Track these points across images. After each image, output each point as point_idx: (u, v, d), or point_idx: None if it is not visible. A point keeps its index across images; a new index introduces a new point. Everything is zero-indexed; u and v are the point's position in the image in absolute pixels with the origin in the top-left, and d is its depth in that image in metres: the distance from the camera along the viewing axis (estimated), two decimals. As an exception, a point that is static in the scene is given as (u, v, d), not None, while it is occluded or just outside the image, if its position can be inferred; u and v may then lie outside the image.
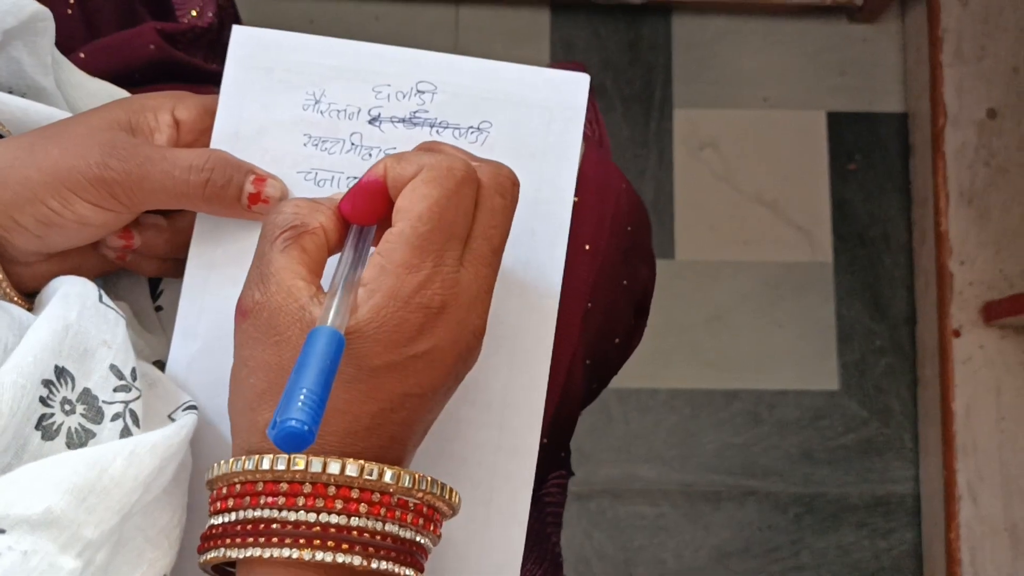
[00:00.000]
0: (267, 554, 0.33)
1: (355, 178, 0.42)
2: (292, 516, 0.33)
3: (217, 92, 0.44)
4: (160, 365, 0.43)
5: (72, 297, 0.38)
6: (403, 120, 0.42)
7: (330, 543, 0.33)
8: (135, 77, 0.53)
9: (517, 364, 0.41)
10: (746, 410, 1.13)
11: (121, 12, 0.55)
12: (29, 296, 0.42)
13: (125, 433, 0.37)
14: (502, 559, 0.40)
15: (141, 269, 0.44)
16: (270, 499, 0.34)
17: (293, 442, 0.29)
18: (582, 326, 0.47)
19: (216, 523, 0.35)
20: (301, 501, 0.33)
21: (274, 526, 0.33)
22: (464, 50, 1.22)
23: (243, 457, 0.34)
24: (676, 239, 1.15)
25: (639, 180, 1.16)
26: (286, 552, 0.33)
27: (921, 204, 1.14)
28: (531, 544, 0.51)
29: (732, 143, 1.17)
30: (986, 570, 1.03)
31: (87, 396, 0.37)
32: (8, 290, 0.40)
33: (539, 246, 0.42)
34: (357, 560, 0.33)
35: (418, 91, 0.43)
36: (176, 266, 0.44)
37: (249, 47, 0.43)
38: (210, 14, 0.62)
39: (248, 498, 0.34)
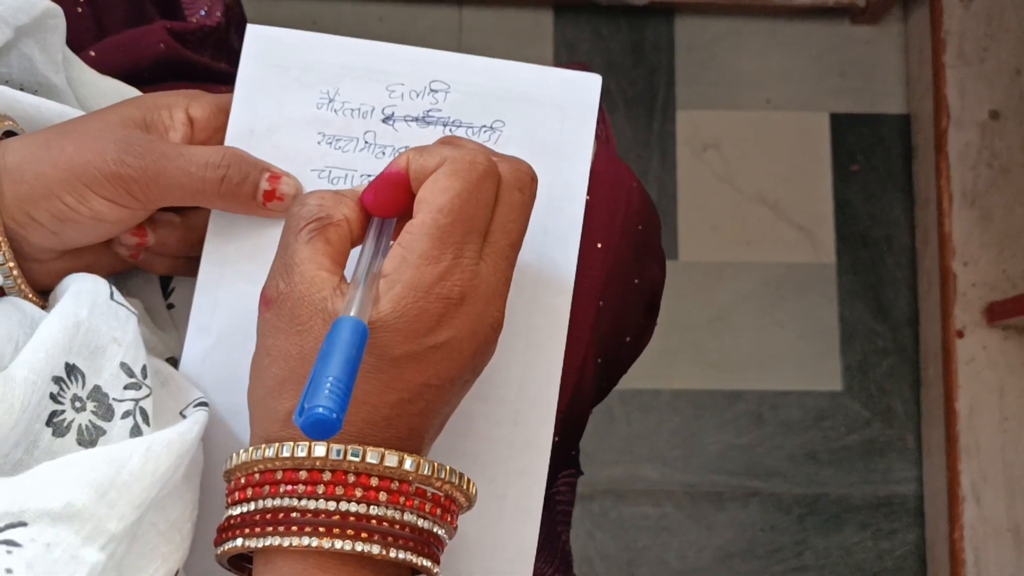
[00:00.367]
0: (286, 543, 0.33)
1: (369, 176, 0.42)
2: (312, 504, 0.34)
3: (225, 91, 0.44)
4: (173, 362, 0.43)
5: (83, 294, 0.38)
6: (417, 119, 0.43)
7: (349, 531, 0.33)
8: (144, 76, 0.53)
9: (531, 360, 0.41)
10: (749, 411, 1.13)
11: (130, 11, 0.56)
12: (43, 293, 0.42)
13: (135, 431, 0.37)
14: (515, 554, 0.41)
15: (154, 267, 0.44)
16: (289, 487, 0.34)
17: (321, 429, 0.29)
18: (594, 324, 0.47)
19: (234, 514, 0.35)
20: (321, 489, 0.34)
21: (293, 515, 0.34)
22: (467, 51, 1.22)
23: (263, 445, 0.35)
24: (679, 240, 1.15)
25: (642, 181, 1.16)
26: (305, 540, 0.33)
27: (924, 205, 1.14)
28: (542, 542, 0.51)
29: (735, 144, 1.18)
30: (990, 571, 1.04)
31: (97, 393, 0.37)
32: (23, 287, 0.41)
33: (552, 244, 0.42)
34: (376, 549, 0.33)
35: (432, 90, 0.43)
36: (188, 264, 0.44)
37: (263, 46, 0.43)
38: (218, 13, 0.62)
39: (267, 487, 0.34)
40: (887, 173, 1.18)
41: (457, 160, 0.36)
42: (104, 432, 0.36)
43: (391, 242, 0.37)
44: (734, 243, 1.16)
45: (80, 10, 0.53)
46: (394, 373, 0.34)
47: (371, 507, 0.34)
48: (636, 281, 0.50)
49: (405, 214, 0.37)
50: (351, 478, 0.34)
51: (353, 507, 0.34)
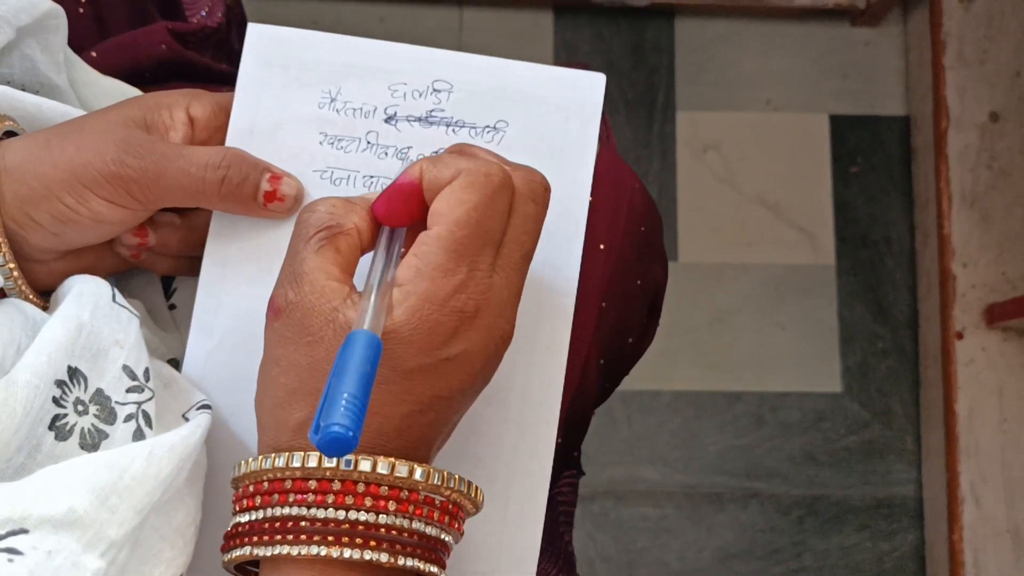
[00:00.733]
0: (295, 551, 0.33)
1: (371, 177, 0.42)
2: (321, 513, 0.33)
3: (227, 91, 0.44)
4: (175, 363, 0.43)
5: (86, 296, 0.38)
6: (419, 119, 0.42)
7: (358, 540, 0.33)
8: (146, 76, 0.53)
9: (535, 363, 0.41)
10: (749, 412, 1.13)
11: (132, 11, 0.55)
12: (44, 294, 0.42)
13: (138, 434, 0.37)
14: (519, 556, 0.40)
15: (155, 267, 0.44)
16: (299, 496, 0.34)
17: (337, 447, 0.29)
18: (597, 325, 0.47)
19: (242, 521, 0.35)
20: (331, 499, 0.33)
21: (303, 524, 0.33)
22: (467, 51, 1.22)
23: (272, 455, 0.34)
24: (679, 241, 1.15)
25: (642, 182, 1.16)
26: (314, 549, 0.33)
27: (923, 207, 1.14)
28: (545, 543, 0.51)
29: (735, 145, 1.18)
30: (989, 572, 1.04)
31: (100, 396, 0.36)
32: (24, 288, 0.40)
33: (556, 245, 0.42)
34: (384, 557, 0.33)
35: (434, 90, 0.43)
36: (190, 264, 0.44)
37: (265, 45, 0.43)
38: (219, 14, 0.62)
39: (276, 495, 0.34)
40: (887, 175, 1.18)
41: (472, 172, 0.35)
42: (107, 435, 0.36)
43: (402, 251, 0.37)
44: (734, 244, 1.16)
45: (82, 10, 0.52)
46: (406, 385, 0.34)
47: (380, 516, 0.34)
48: (639, 282, 0.50)
49: (416, 224, 0.37)
50: (361, 488, 0.34)
51: (362, 516, 0.33)
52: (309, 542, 0.33)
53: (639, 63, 1.19)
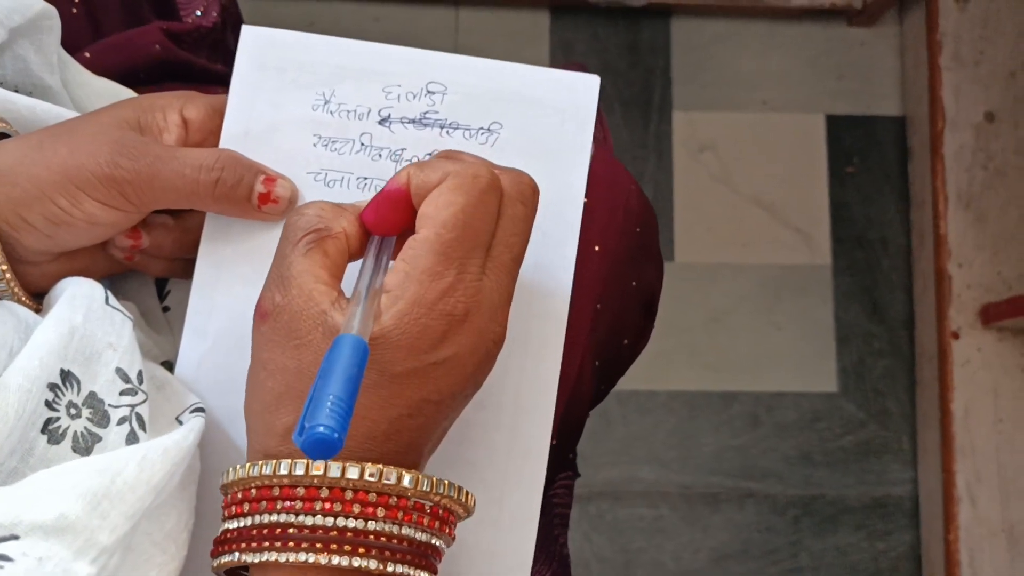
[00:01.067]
0: (283, 558, 0.33)
1: (365, 179, 0.42)
2: (309, 520, 0.33)
3: (222, 92, 0.44)
4: (168, 365, 0.43)
5: (78, 299, 0.38)
6: (413, 121, 0.42)
7: (347, 547, 0.33)
8: (140, 77, 0.53)
9: (528, 366, 0.41)
10: (745, 412, 1.13)
11: (126, 11, 0.55)
12: (38, 296, 0.41)
13: (131, 437, 0.37)
14: (513, 561, 0.40)
15: (149, 269, 0.44)
16: (287, 503, 0.34)
17: (322, 448, 0.29)
18: (592, 327, 0.47)
19: (231, 527, 0.35)
20: (319, 506, 0.33)
21: (291, 530, 0.33)
22: (463, 52, 1.22)
23: (260, 461, 0.34)
24: (675, 241, 1.15)
25: (638, 182, 1.16)
26: (303, 556, 0.33)
27: (919, 207, 1.15)
28: (539, 545, 0.51)
29: (731, 146, 1.18)
30: (984, 572, 1.04)
31: (93, 400, 0.36)
32: (16, 290, 0.40)
33: (550, 247, 0.42)
34: (373, 564, 0.33)
35: (428, 92, 0.42)
36: (184, 266, 0.44)
37: (259, 46, 0.43)
38: (214, 14, 0.62)
39: (265, 502, 0.34)
40: (883, 175, 1.18)
41: (460, 174, 0.35)
42: (100, 439, 0.36)
43: (391, 255, 0.37)
44: (730, 244, 1.16)
45: (75, 11, 0.52)
46: (394, 389, 0.34)
47: (369, 522, 0.33)
48: (634, 284, 0.50)
49: (406, 231, 0.37)
50: (349, 495, 0.33)
51: (351, 523, 0.33)
52: (297, 549, 0.33)
53: (635, 63, 1.19)
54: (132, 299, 0.45)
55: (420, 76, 0.42)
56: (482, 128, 0.42)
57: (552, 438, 0.42)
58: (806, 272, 1.16)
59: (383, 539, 0.34)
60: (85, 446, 0.35)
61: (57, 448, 0.35)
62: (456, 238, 0.34)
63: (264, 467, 0.34)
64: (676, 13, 1.20)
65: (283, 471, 0.34)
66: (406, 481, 0.34)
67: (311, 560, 0.33)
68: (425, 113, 0.42)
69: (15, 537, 0.31)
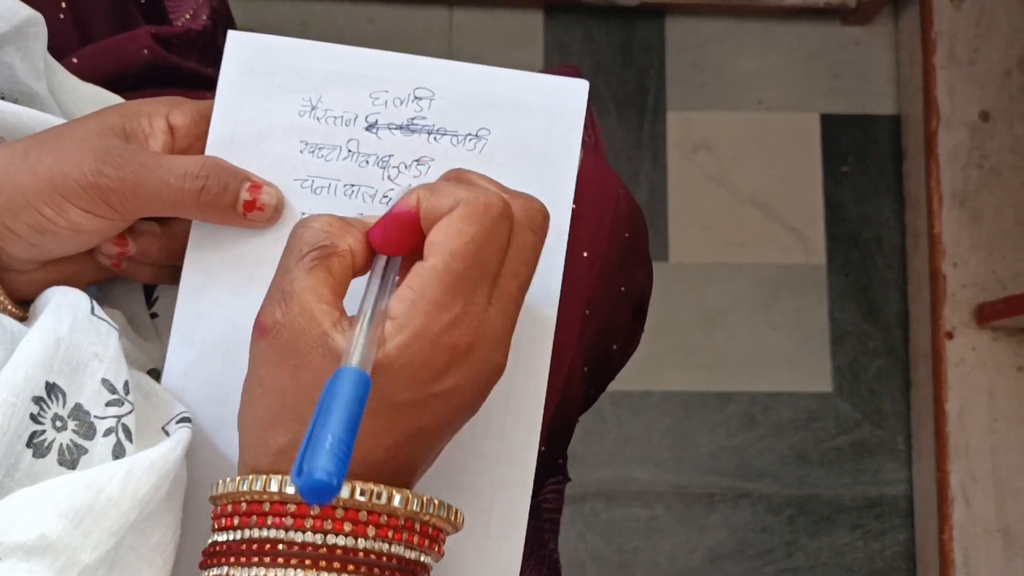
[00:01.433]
0: (272, 574, 0.33)
1: (352, 186, 0.42)
2: (299, 537, 0.33)
3: (210, 97, 0.43)
4: (155, 374, 0.43)
5: (64, 309, 0.38)
6: (400, 127, 0.42)
7: (336, 564, 0.33)
8: (129, 82, 0.53)
9: (517, 373, 0.41)
10: (740, 412, 1.13)
11: (114, 16, 0.55)
12: (24, 304, 0.41)
13: (118, 448, 0.36)
14: (501, 568, 0.40)
15: (136, 276, 0.44)
16: (277, 519, 0.33)
17: (319, 494, 0.29)
18: (580, 333, 0.47)
19: (220, 540, 0.35)
20: (309, 523, 0.33)
21: (280, 547, 0.33)
22: (458, 52, 1.22)
23: (250, 476, 0.34)
24: (670, 241, 1.15)
25: (633, 183, 1.16)
26: (291, 572, 0.33)
27: (914, 206, 1.14)
28: (529, 551, 0.51)
29: (726, 145, 1.17)
30: (979, 571, 1.04)
31: (79, 412, 0.36)
32: (2, 298, 0.40)
33: (538, 254, 0.41)
34: None
35: (416, 97, 0.42)
36: (172, 272, 0.44)
37: (244, 52, 0.42)
38: (204, 17, 0.61)
39: (255, 517, 0.34)
40: (877, 174, 1.18)
41: (471, 202, 0.34)
42: (86, 451, 0.36)
43: (396, 277, 0.36)
44: (725, 244, 1.15)
45: (62, 16, 0.52)
46: (393, 417, 0.34)
47: (359, 540, 0.33)
48: (623, 289, 0.50)
49: (412, 253, 0.36)
50: (339, 513, 0.33)
51: (341, 540, 0.33)
52: (287, 565, 0.33)
53: (629, 63, 1.19)
54: (120, 306, 0.45)
55: (407, 81, 0.42)
56: (470, 134, 0.42)
57: (541, 444, 0.42)
58: (801, 272, 1.15)
59: (372, 556, 0.34)
60: (71, 459, 0.35)
61: (43, 462, 0.35)
62: (465, 269, 0.34)
63: (255, 483, 0.34)
64: (670, 13, 1.19)
65: (273, 488, 0.33)
66: (396, 501, 0.34)
67: None
68: (412, 119, 0.42)
69: None
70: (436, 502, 0.35)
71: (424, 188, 0.36)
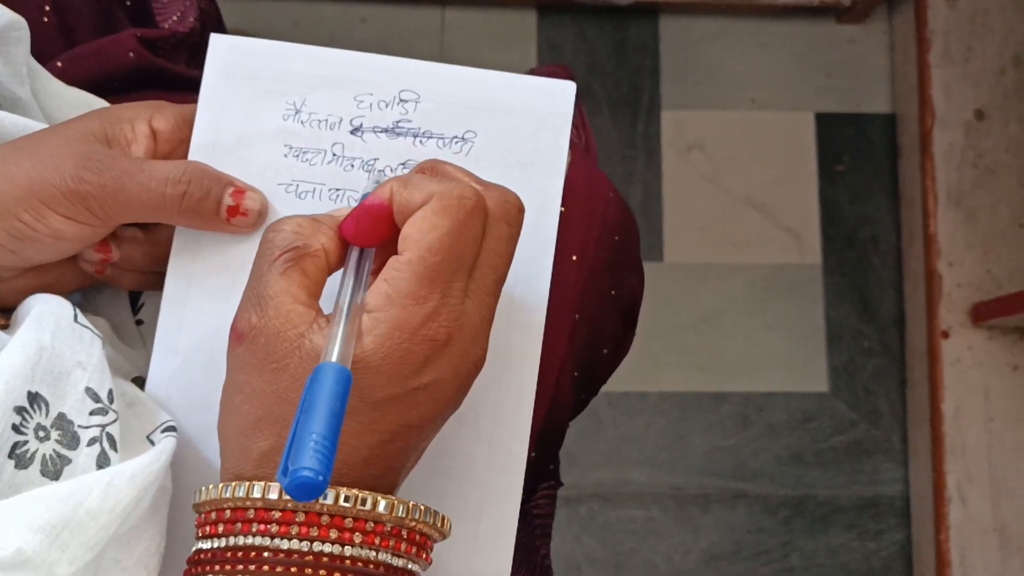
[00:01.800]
0: None
1: (337, 190, 0.42)
2: (285, 544, 0.33)
3: (194, 101, 0.43)
4: (140, 381, 0.42)
5: (46, 317, 0.37)
6: (386, 130, 0.42)
7: (322, 571, 0.33)
8: (114, 85, 0.52)
9: (505, 379, 0.40)
10: (735, 412, 1.12)
11: (100, 19, 0.54)
12: (6, 312, 0.41)
13: (102, 458, 0.36)
14: (490, 574, 0.40)
15: (120, 282, 0.43)
16: (262, 526, 0.33)
17: (306, 492, 0.29)
18: (570, 337, 0.47)
19: (204, 547, 0.34)
20: (294, 530, 0.33)
21: (266, 554, 0.33)
22: (450, 52, 1.22)
23: (234, 483, 0.34)
24: (665, 241, 1.15)
25: (627, 182, 1.16)
26: None
27: (909, 205, 1.14)
28: (520, 557, 0.50)
29: (720, 145, 1.17)
30: (976, 571, 1.04)
31: (62, 421, 0.36)
32: (-18, 306, 0.40)
33: (526, 258, 0.41)
34: None
35: (401, 100, 0.42)
36: (156, 279, 0.43)
37: (227, 56, 0.42)
38: (191, 18, 0.61)
39: (239, 524, 0.33)
40: (872, 173, 1.18)
41: (445, 196, 0.34)
42: (69, 461, 0.35)
43: (372, 267, 0.36)
44: (720, 244, 1.15)
45: (46, 20, 0.51)
46: (375, 415, 0.34)
47: (345, 548, 0.33)
48: (613, 292, 0.49)
49: (386, 244, 0.36)
50: (325, 519, 0.33)
51: (327, 547, 0.33)
52: (272, 572, 0.33)
53: (623, 62, 1.18)
54: (104, 313, 0.44)
55: (392, 84, 0.42)
56: (456, 137, 0.42)
57: (531, 450, 0.42)
58: (796, 271, 1.15)
59: (359, 564, 0.33)
60: (54, 469, 0.35)
61: (25, 473, 0.34)
62: (440, 262, 0.34)
63: (238, 489, 0.33)
64: (664, 12, 1.19)
65: (256, 494, 0.33)
66: (381, 507, 0.33)
67: None
68: (398, 122, 0.42)
69: None
70: (422, 508, 0.34)
71: (397, 180, 0.36)
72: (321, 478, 0.29)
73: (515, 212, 0.36)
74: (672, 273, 1.14)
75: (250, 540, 0.33)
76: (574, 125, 0.48)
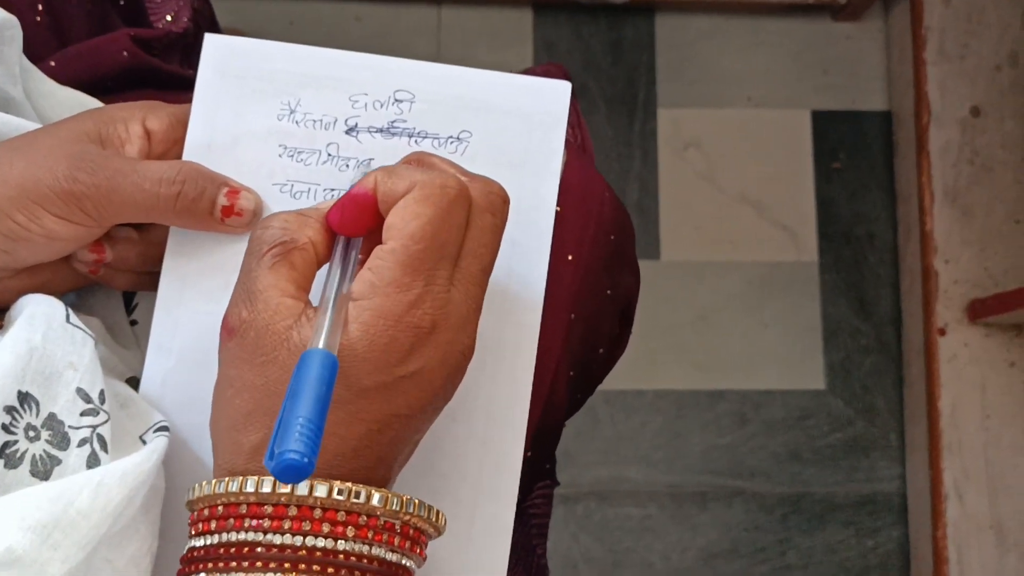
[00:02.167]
0: None
1: (332, 190, 0.41)
2: (278, 539, 0.33)
3: (188, 101, 0.43)
4: (134, 381, 0.42)
5: (37, 317, 0.37)
6: (381, 130, 0.42)
7: (315, 567, 0.32)
8: (108, 85, 0.52)
9: (500, 378, 0.40)
10: (732, 410, 1.13)
11: (93, 19, 0.54)
12: (0, 311, 0.41)
13: (92, 459, 0.36)
14: (486, 574, 0.40)
15: (114, 282, 0.43)
16: (255, 522, 0.33)
17: (293, 474, 0.29)
18: (566, 337, 0.47)
19: (197, 545, 0.34)
20: (287, 524, 0.33)
21: (259, 549, 0.33)
22: (446, 51, 1.22)
23: (226, 478, 0.34)
24: (661, 240, 1.15)
25: (623, 181, 1.16)
26: None
27: (905, 202, 1.14)
28: (516, 556, 0.50)
29: (716, 143, 1.17)
30: (973, 568, 1.04)
31: (52, 421, 0.35)
32: (-25, 307, 0.39)
33: (521, 257, 0.41)
34: None
35: (396, 100, 0.42)
36: (150, 279, 0.43)
37: (221, 56, 0.42)
38: (185, 19, 0.61)
39: (232, 520, 0.33)
40: (869, 170, 1.18)
41: (427, 184, 0.35)
42: (59, 462, 0.35)
43: (359, 257, 0.36)
44: (716, 242, 1.15)
45: (39, 19, 0.51)
46: (362, 404, 0.34)
47: (339, 542, 0.33)
48: (609, 292, 0.49)
49: (372, 233, 0.36)
50: (318, 513, 0.33)
51: (320, 542, 0.33)
52: (266, 568, 0.32)
53: (619, 60, 1.18)
54: (99, 313, 0.44)
55: (387, 84, 0.42)
56: (451, 136, 0.42)
57: (527, 449, 0.42)
58: (793, 269, 1.15)
59: (353, 559, 0.33)
60: (44, 470, 0.35)
61: (15, 473, 0.34)
62: (423, 250, 0.34)
63: (230, 484, 0.33)
64: (660, 10, 1.19)
65: (249, 488, 0.33)
66: (375, 500, 0.33)
67: None
68: (393, 122, 0.42)
69: None
70: (416, 502, 0.34)
71: (382, 171, 0.36)
72: (307, 460, 0.29)
73: (499, 202, 0.36)
74: (669, 271, 1.14)
75: (243, 536, 0.33)
76: (570, 124, 0.48)
